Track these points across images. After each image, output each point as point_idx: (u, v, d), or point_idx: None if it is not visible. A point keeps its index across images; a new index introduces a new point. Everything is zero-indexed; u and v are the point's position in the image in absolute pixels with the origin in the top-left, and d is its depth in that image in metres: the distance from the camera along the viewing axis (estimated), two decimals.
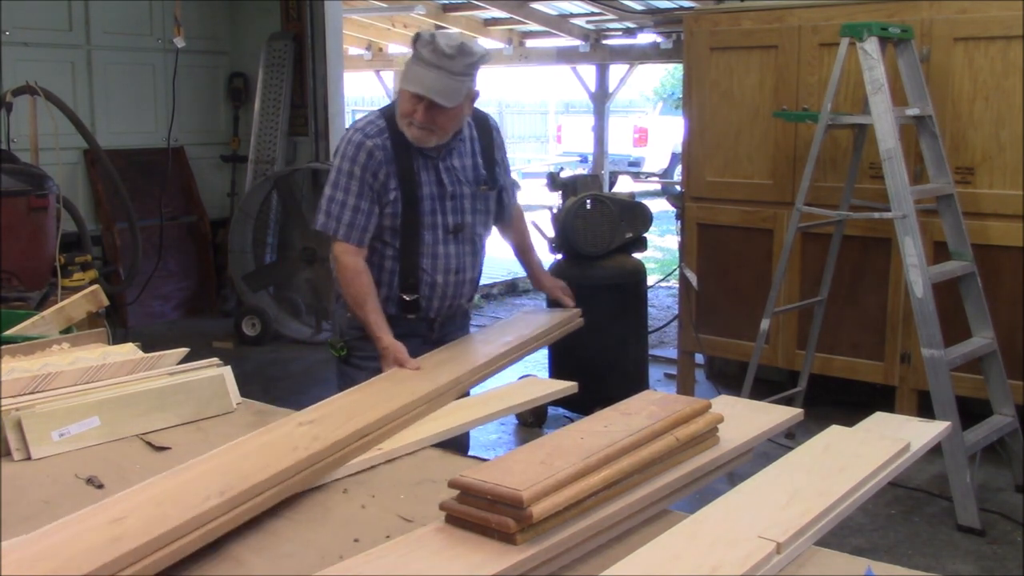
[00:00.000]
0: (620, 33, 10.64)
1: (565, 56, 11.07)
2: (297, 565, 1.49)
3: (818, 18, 4.56)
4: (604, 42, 10.79)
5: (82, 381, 2.11)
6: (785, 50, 4.66)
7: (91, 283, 3.59)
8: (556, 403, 4.93)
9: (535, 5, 9.64)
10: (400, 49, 11.79)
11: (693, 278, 5.08)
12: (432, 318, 2.76)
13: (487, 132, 2.80)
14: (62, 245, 3.85)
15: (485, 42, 11.04)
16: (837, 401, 4.79)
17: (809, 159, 4.23)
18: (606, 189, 7.42)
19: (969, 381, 4.12)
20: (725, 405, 2.00)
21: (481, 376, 2.53)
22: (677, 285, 5.96)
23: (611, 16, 9.83)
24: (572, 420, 4.77)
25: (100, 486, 1.77)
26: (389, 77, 13.04)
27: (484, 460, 1.81)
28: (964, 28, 4.18)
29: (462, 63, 2.46)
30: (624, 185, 16.84)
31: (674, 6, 9.10)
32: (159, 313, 7.17)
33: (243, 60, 7.51)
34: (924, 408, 4.13)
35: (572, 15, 10.14)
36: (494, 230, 2.98)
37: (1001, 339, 4.04)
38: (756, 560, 1.36)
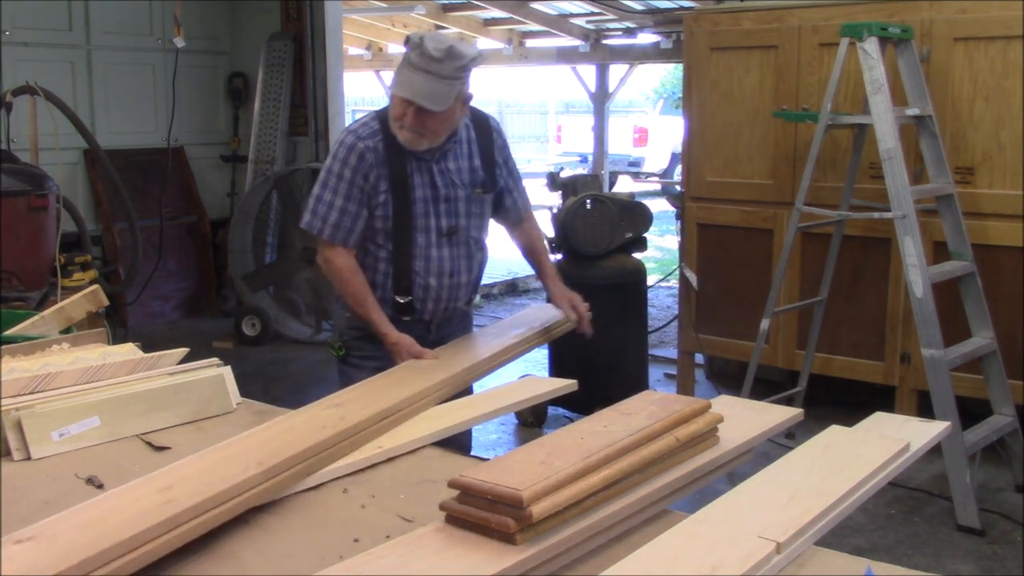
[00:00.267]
0: (620, 33, 10.63)
1: (565, 56, 11.06)
2: (297, 565, 1.49)
3: (818, 18, 4.56)
4: (604, 42, 10.78)
5: (82, 381, 2.11)
6: (785, 50, 4.66)
7: (91, 283, 3.59)
8: (556, 403, 4.98)
9: (535, 5, 9.63)
10: (400, 49, 11.77)
11: (693, 278, 5.08)
12: (428, 320, 2.76)
13: (487, 133, 2.77)
14: (62, 245, 3.86)
15: (485, 42, 11.04)
16: (837, 401, 4.80)
17: (809, 159, 4.23)
18: (606, 189, 7.43)
19: (969, 381, 4.12)
20: (725, 405, 1.99)
21: (495, 364, 2.62)
22: (677, 285, 5.96)
23: (611, 16, 9.83)
24: (572, 420, 4.77)
25: (100, 486, 1.77)
26: (389, 77, 12.99)
27: (484, 460, 1.81)
28: (964, 28, 4.18)
29: (451, 67, 2.43)
30: (624, 185, 16.85)
31: (674, 6, 9.09)
32: (159, 313, 7.17)
33: (243, 60, 7.51)
34: (924, 408, 4.13)
35: (572, 15, 10.14)
36: (503, 232, 2.97)
37: (1001, 339, 4.04)
38: (756, 560, 1.36)
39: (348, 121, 8.60)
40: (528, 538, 1.41)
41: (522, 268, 7.67)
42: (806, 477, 1.64)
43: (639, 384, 4.91)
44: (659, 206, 9.33)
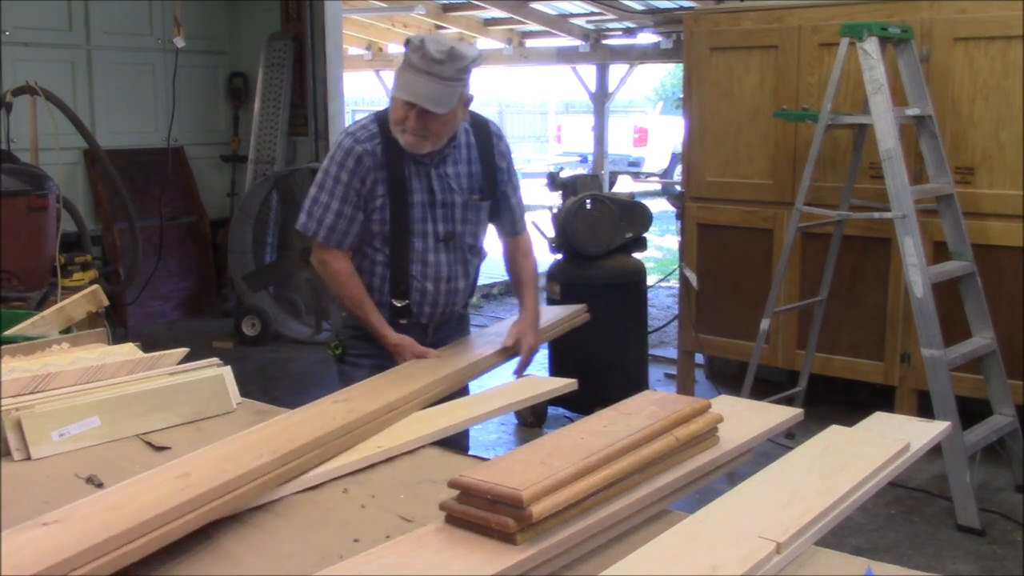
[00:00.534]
0: (620, 33, 10.64)
1: (565, 56, 11.07)
2: (297, 565, 1.49)
3: (818, 18, 4.56)
4: (604, 42, 10.79)
5: (82, 381, 2.11)
6: (785, 50, 4.66)
7: (91, 283, 3.59)
8: (556, 403, 4.99)
9: (535, 5, 9.63)
10: (400, 49, 11.77)
11: (693, 278, 5.08)
12: (425, 323, 2.75)
13: (487, 138, 2.74)
14: (62, 245, 3.85)
15: (485, 42, 11.04)
16: (837, 401, 4.80)
17: (809, 159, 4.23)
18: (606, 189, 7.43)
19: (969, 381, 4.12)
20: (725, 405, 1.99)
21: (497, 361, 2.67)
22: (677, 285, 5.96)
23: (611, 16, 9.83)
24: (572, 420, 4.77)
25: (100, 485, 1.77)
26: (389, 77, 13.03)
27: (484, 460, 1.81)
28: (964, 28, 4.18)
29: (452, 68, 2.41)
30: (624, 185, 16.86)
31: (674, 6, 9.10)
32: (159, 313, 7.17)
33: (243, 60, 7.51)
34: (924, 408, 4.13)
35: (572, 15, 10.14)
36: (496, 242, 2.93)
37: (1001, 339, 4.04)
38: (756, 560, 1.36)
39: (348, 121, 8.61)
40: (528, 538, 1.41)
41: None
42: (806, 477, 1.64)
43: (639, 384, 4.91)
44: (659, 206, 9.33)
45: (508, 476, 1.46)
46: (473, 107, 2.66)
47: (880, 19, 4.14)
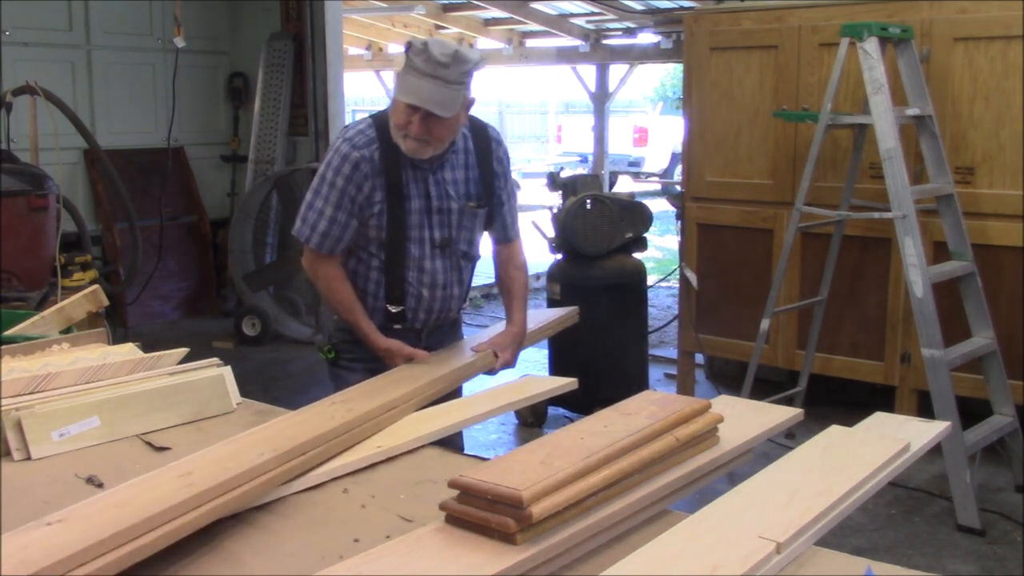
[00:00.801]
0: (620, 33, 10.63)
1: (565, 56, 11.06)
2: (297, 565, 1.49)
3: (818, 18, 4.56)
4: (604, 42, 10.78)
5: (82, 381, 2.11)
6: (785, 50, 4.66)
7: (91, 283, 3.59)
8: (556, 403, 4.99)
9: (535, 5, 9.63)
10: (400, 49, 11.75)
11: (693, 278, 5.08)
12: (419, 329, 2.72)
13: (486, 144, 2.70)
14: (62, 245, 3.85)
15: (485, 42, 11.04)
16: (837, 401, 4.80)
17: (809, 159, 4.23)
18: (606, 189, 7.42)
19: (969, 381, 4.12)
20: (725, 405, 1.99)
21: (490, 362, 2.67)
22: (677, 285, 5.97)
23: (611, 16, 9.83)
24: (572, 420, 4.77)
25: (100, 485, 1.77)
26: (389, 77, 13.03)
27: (484, 460, 1.81)
28: (964, 28, 4.18)
29: (457, 71, 2.38)
30: (624, 185, 16.85)
31: (674, 6, 9.10)
32: (159, 313, 7.17)
33: (243, 60, 7.51)
34: (924, 408, 4.13)
35: (572, 15, 10.14)
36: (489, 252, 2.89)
37: (1001, 339, 4.04)
38: (756, 560, 1.36)
39: (348, 121, 8.60)
40: (528, 538, 1.41)
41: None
42: (806, 477, 1.64)
43: (639, 384, 4.91)
44: (659, 206, 9.33)
45: (508, 476, 1.46)
46: (473, 109, 2.62)
47: (880, 19, 4.14)
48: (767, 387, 4.95)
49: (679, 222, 5.19)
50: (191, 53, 6.90)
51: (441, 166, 2.61)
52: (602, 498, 1.53)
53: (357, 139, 2.55)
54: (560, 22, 10.26)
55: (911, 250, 3.80)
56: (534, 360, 5.96)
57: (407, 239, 2.60)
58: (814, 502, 1.54)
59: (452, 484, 1.49)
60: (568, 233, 4.89)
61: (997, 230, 4.20)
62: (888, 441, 1.80)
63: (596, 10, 9.58)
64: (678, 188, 5.38)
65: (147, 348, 2.37)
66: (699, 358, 5.51)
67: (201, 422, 2.15)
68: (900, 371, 4.49)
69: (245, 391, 2.31)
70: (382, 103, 13.68)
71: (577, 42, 10.67)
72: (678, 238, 5.24)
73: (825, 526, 1.51)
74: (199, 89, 7.43)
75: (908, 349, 4.42)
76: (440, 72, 2.36)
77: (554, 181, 5.23)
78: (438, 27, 10.56)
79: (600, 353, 4.81)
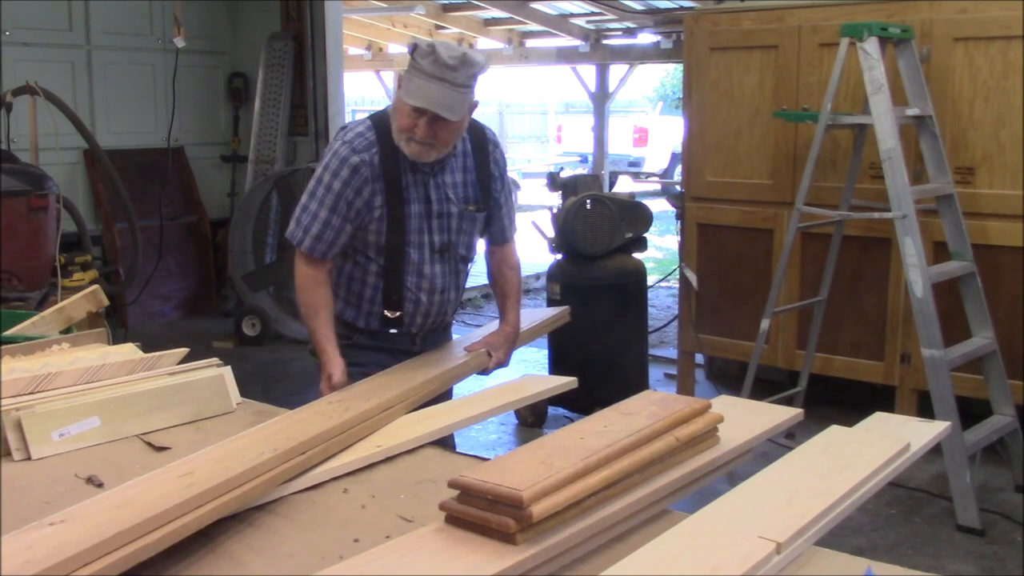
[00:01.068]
0: (620, 33, 10.64)
1: (565, 56, 11.07)
2: (297, 565, 1.49)
3: (818, 18, 4.56)
4: (604, 42, 10.79)
5: (82, 381, 2.11)
6: (785, 50, 4.66)
7: (91, 283, 3.59)
8: (556, 403, 4.99)
9: (535, 5, 9.63)
10: (400, 49, 11.78)
11: (693, 278, 5.08)
12: (415, 333, 2.69)
13: (483, 146, 2.66)
14: (62, 245, 3.85)
15: (485, 42, 11.05)
16: (837, 401, 4.79)
17: (809, 159, 4.23)
18: (606, 189, 7.43)
19: (969, 381, 4.12)
20: (725, 405, 1.99)
21: (484, 362, 2.68)
22: (677, 285, 5.97)
23: (611, 16, 9.83)
24: (572, 420, 4.77)
25: (100, 485, 1.77)
26: (389, 77, 13.04)
27: (484, 460, 1.81)
28: (964, 28, 4.18)
29: (465, 74, 2.35)
30: (624, 185, 16.85)
31: (674, 6, 9.10)
32: (159, 313, 7.17)
33: (243, 60, 7.51)
34: (924, 408, 4.13)
35: (572, 15, 10.14)
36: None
37: (1001, 339, 4.04)
38: (756, 560, 1.36)
39: (348, 120, 8.58)
40: (528, 538, 1.41)
41: (521, 269, 7.62)
42: (806, 477, 1.64)
43: (639, 384, 4.91)
44: (659, 206, 9.32)
45: (508, 476, 1.46)
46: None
47: (880, 19, 4.14)
48: (767, 387, 4.95)
49: (679, 222, 5.19)
50: (191, 53, 6.89)
51: (441, 169, 2.57)
52: (602, 498, 1.53)
53: (357, 142, 2.49)
54: (560, 22, 10.26)
55: (911, 250, 3.80)
56: (534, 360, 5.96)
57: (406, 244, 2.56)
58: (814, 502, 1.54)
59: (452, 484, 1.49)
60: (568, 233, 4.89)
61: (997, 230, 4.20)
62: (888, 441, 1.80)
63: (596, 10, 9.59)
64: (678, 188, 5.38)
65: (147, 348, 2.37)
66: (699, 358, 5.51)
67: (201, 422, 2.15)
68: (900, 371, 4.49)
69: (245, 391, 2.31)
70: (382, 103, 13.67)
71: (577, 42, 10.68)
72: (678, 238, 5.25)
73: (825, 526, 1.51)
74: (199, 89, 7.43)
75: (908, 349, 4.42)
76: (448, 75, 2.32)
77: (554, 181, 5.23)
78: (438, 27, 10.56)
79: (600, 353, 4.81)
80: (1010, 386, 4.05)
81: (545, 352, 5.23)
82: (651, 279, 6.25)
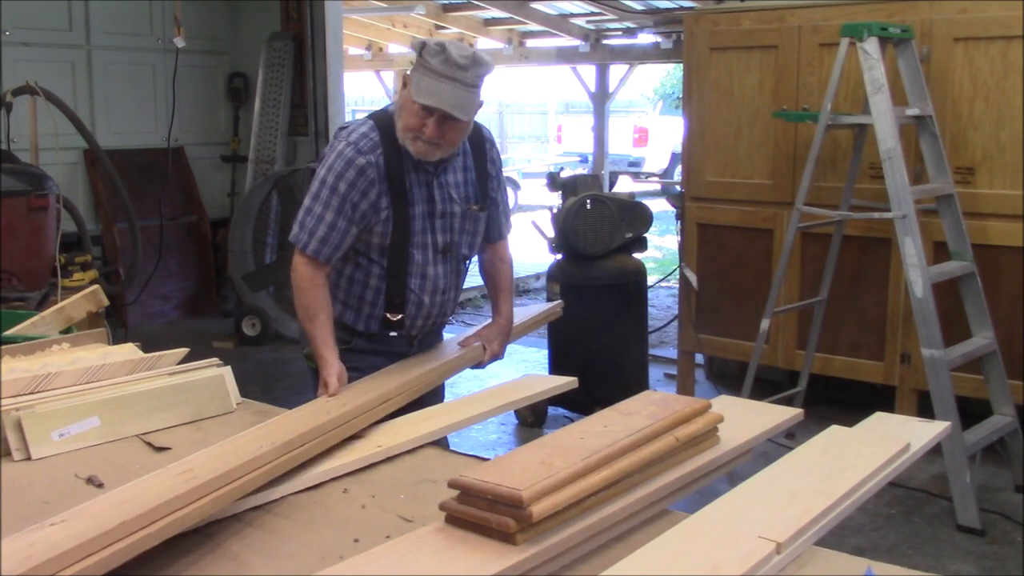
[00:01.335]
0: (620, 33, 10.64)
1: (565, 56, 11.07)
2: (297, 565, 1.49)
3: (818, 18, 4.56)
4: (604, 42, 10.79)
5: (82, 381, 2.11)
6: (785, 50, 4.66)
7: (91, 283, 3.59)
8: (556, 403, 4.99)
9: (535, 5, 9.63)
10: (400, 49, 11.79)
11: (693, 278, 5.08)
12: (413, 335, 2.67)
13: (480, 145, 2.65)
14: (62, 245, 3.85)
15: (485, 42, 11.04)
16: (837, 401, 4.79)
17: (809, 159, 4.23)
18: (606, 189, 7.43)
19: (969, 381, 4.12)
20: (725, 405, 1.99)
21: (478, 355, 2.70)
22: (677, 285, 5.97)
23: (611, 16, 9.83)
24: (572, 420, 4.77)
25: (100, 485, 1.77)
26: (389, 77, 13.04)
27: (484, 460, 1.81)
28: (964, 28, 4.18)
29: (475, 73, 2.33)
30: (624, 185, 16.85)
31: (674, 6, 9.10)
32: (159, 313, 7.17)
33: (243, 60, 7.51)
34: (924, 408, 4.13)
35: (572, 15, 10.14)
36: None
37: (1001, 339, 4.04)
38: (756, 560, 1.36)
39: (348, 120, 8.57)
40: (528, 538, 1.41)
41: (521, 268, 7.65)
42: (806, 477, 1.64)
43: (639, 384, 4.91)
44: (659, 206, 9.32)
45: (508, 476, 1.46)
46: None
47: (880, 19, 4.14)
48: (767, 387, 4.95)
49: (679, 222, 5.19)
50: (191, 53, 6.89)
51: (444, 169, 2.55)
52: (602, 498, 1.53)
53: (362, 144, 2.44)
54: (560, 22, 10.26)
55: (911, 250, 3.80)
56: (534, 360, 5.96)
57: (411, 245, 2.54)
58: (814, 502, 1.54)
59: (452, 484, 1.49)
60: (568, 233, 4.89)
61: (997, 230, 4.20)
62: (888, 441, 1.80)
63: (596, 10, 9.59)
64: (678, 188, 5.38)
65: (147, 348, 2.37)
66: (699, 358, 5.51)
67: (201, 422, 2.15)
68: (900, 371, 4.49)
69: (245, 391, 2.31)
70: (382, 103, 13.66)
71: (577, 42, 10.68)
72: (678, 238, 5.25)
73: (825, 526, 1.51)
74: (199, 89, 7.43)
75: (908, 349, 4.42)
76: (459, 74, 2.31)
77: (554, 181, 5.23)
78: (438, 27, 10.56)
79: (600, 353, 4.81)
80: (1010, 386, 4.05)
81: (545, 352, 5.24)
82: (651, 279, 6.25)
